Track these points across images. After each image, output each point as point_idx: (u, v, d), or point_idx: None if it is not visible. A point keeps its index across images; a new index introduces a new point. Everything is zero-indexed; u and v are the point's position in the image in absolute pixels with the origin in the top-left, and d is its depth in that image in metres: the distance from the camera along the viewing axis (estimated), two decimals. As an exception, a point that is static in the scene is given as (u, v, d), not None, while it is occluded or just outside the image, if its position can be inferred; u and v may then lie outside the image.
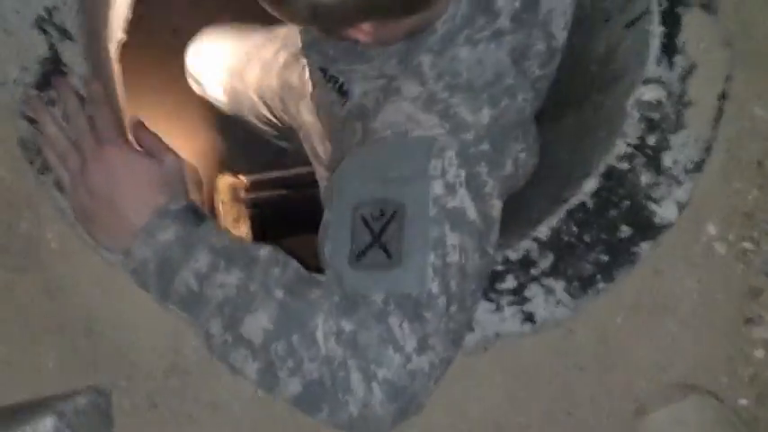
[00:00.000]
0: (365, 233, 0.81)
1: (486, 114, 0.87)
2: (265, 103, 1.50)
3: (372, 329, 0.77)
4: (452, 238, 0.80)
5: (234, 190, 1.58)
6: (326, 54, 1.05)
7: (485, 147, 0.86)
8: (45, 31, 0.98)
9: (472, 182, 0.83)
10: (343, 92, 1.01)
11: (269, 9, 0.80)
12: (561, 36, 0.95)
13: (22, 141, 0.97)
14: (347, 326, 0.78)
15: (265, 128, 1.57)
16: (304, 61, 1.21)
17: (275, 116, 1.50)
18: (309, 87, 1.19)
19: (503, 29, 0.89)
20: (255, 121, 1.57)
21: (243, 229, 1.54)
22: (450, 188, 0.81)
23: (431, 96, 0.87)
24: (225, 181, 1.58)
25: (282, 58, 1.41)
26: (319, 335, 0.78)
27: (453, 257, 0.80)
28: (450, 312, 0.79)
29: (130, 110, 1.29)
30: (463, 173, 0.82)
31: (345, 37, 0.86)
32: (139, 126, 0.94)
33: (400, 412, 0.78)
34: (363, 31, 0.84)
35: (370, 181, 0.84)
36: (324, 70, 1.06)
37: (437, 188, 0.81)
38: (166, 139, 0.93)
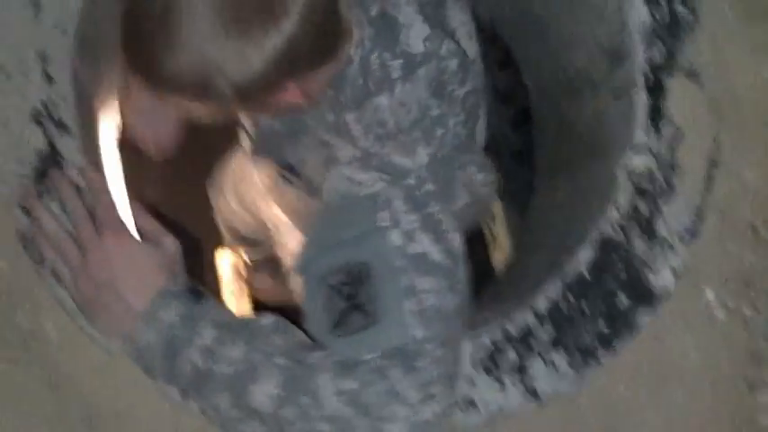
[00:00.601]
0: (338, 301, 0.82)
1: (422, 154, 0.88)
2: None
3: (375, 385, 0.78)
4: (423, 284, 0.81)
5: (234, 266, 1.58)
6: (276, 149, 1.08)
7: (430, 186, 0.86)
8: (42, 125, 1.00)
9: (428, 223, 0.84)
10: (312, 189, 1.03)
11: (195, 110, 0.80)
12: (471, 48, 0.96)
13: (20, 233, 0.98)
14: (350, 385, 0.78)
15: None
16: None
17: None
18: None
19: (413, 58, 0.89)
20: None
21: (245, 305, 1.53)
22: (409, 235, 0.82)
23: (365, 154, 0.89)
24: (225, 257, 1.58)
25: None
26: (324, 394, 0.78)
27: (428, 302, 0.80)
28: (438, 356, 0.80)
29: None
30: (416, 217, 0.83)
31: (279, 105, 0.86)
32: (138, 210, 0.95)
33: None
34: (292, 93, 0.83)
35: (328, 249, 0.85)
36: (281, 173, 1.09)
37: (395, 238, 0.82)
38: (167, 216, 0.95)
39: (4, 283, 0.99)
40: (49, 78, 1.00)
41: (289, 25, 0.73)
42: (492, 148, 1.30)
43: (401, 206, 0.84)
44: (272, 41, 0.72)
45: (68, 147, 1.00)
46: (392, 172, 0.86)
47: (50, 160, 0.99)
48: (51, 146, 0.99)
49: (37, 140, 1.00)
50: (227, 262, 1.59)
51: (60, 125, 1.00)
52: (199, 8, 0.71)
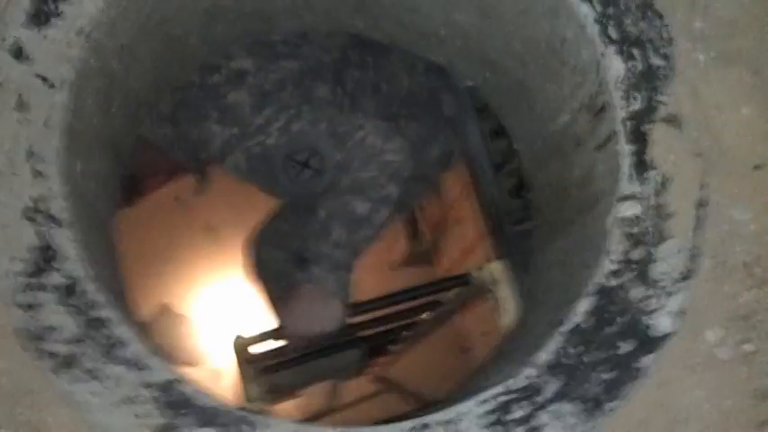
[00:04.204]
0: None
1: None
2: None
3: None
4: None
5: (243, 349, 1.56)
6: None
7: None
8: (33, 220, 1.00)
9: None
10: None
11: None
12: None
13: (17, 330, 0.98)
14: None
15: None
16: None
17: None
18: None
19: None
20: None
21: (255, 388, 1.52)
22: None
23: None
24: (238, 342, 1.56)
25: None
26: None
27: None
28: None
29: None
30: None
31: None
32: None
33: None
34: None
35: None
36: None
37: None
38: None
39: (4, 379, 0.99)
40: (37, 173, 1.01)
41: None
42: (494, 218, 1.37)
43: None
44: None
45: (60, 239, 1.00)
46: None
47: (43, 254, 0.99)
48: (43, 240, 1.00)
49: (29, 236, 1.00)
50: (238, 346, 1.58)
51: (51, 218, 1.00)
52: None
